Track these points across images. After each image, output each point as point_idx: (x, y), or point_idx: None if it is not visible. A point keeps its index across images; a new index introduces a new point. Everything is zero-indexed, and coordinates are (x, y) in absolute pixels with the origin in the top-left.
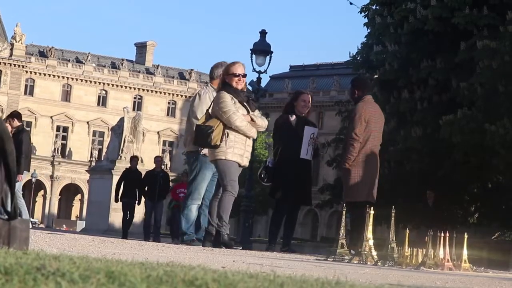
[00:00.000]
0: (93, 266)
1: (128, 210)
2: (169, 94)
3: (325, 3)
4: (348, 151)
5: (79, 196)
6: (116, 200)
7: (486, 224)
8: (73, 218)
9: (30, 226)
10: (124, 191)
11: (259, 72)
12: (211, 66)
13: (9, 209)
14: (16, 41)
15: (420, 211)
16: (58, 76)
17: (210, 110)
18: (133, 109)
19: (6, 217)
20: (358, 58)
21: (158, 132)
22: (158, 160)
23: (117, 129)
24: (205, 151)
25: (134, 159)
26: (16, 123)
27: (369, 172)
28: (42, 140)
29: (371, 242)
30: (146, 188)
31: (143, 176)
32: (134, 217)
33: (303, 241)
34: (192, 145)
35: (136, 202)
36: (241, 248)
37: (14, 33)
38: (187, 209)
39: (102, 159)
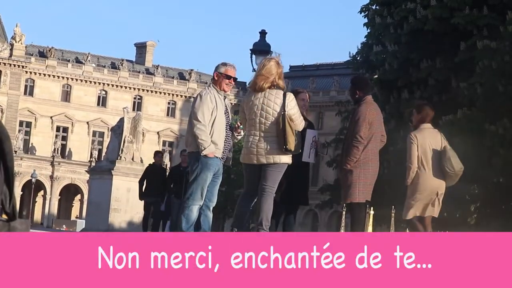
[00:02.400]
0: None
1: (151, 210)
2: (169, 94)
3: (324, 3)
4: (352, 153)
5: (79, 196)
6: (141, 198)
7: (485, 225)
8: (73, 218)
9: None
10: (147, 189)
11: None
12: (216, 67)
13: (8, 210)
14: (16, 41)
15: None
16: (58, 77)
17: (286, 113)
18: (133, 109)
19: (6, 218)
20: (358, 58)
21: (158, 132)
22: (185, 154)
23: (117, 129)
24: (207, 151)
25: (158, 155)
26: None
27: (369, 173)
28: (42, 141)
29: None
30: (172, 185)
31: (168, 172)
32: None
33: None
34: (195, 145)
35: (161, 200)
36: None
37: (14, 33)
38: (188, 209)
39: (102, 159)
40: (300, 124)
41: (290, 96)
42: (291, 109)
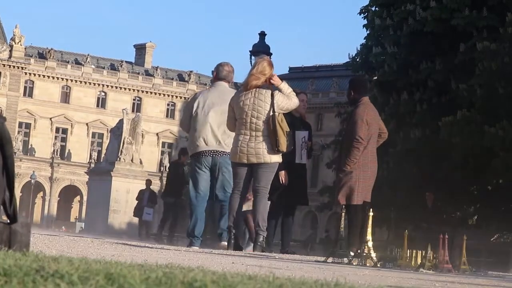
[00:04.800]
0: (92, 267)
1: (172, 210)
2: (168, 95)
3: (324, 4)
4: (353, 154)
5: (78, 197)
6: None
7: (485, 226)
8: (72, 219)
9: None
10: (170, 188)
11: None
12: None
13: (9, 212)
14: (15, 43)
15: (419, 213)
16: (57, 78)
17: (276, 113)
18: (132, 111)
19: (8, 221)
20: (358, 60)
21: (157, 134)
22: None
23: (116, 131)
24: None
25: (184, 151)
26: None
27: (369, 175)
28: (41, 142)
29: (370, 243)
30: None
31: None
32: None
33: (302, 243)
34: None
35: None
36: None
37: (13, 35)
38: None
39: (101, 160)
40: (295, 99)
41: (277, 93)
42: (282, 101)
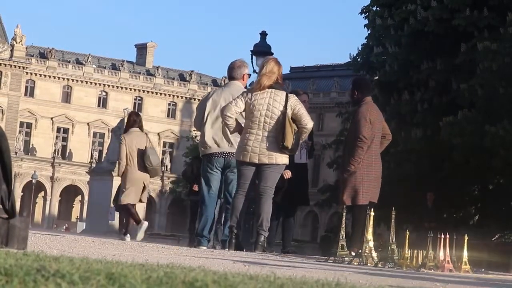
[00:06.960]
0: (93, 267)
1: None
2: (169, 95)
3: (325, 4)
4: (357, 154)
5: (79, 197)
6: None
7: (486, 226)
8: (73, 219)
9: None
10: (197, 186)
11: None
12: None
13: (7, 207)
14: (16, 43)
15: (419, 213)
16: (59, 78)
17: (287, 111)
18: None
19: (6, 216)
20: (359, 60)
21: (158, 134)
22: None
23: (118, 131)
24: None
25: None
26: None
27: (373, 175)
28: (42, 142)
29: (371, 243)
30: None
31: None
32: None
33: (303, 243)
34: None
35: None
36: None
37: (15, 34)
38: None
39: (103, 160)
40: (309, 120)
41: (293, 96)
42: (299, 109)
